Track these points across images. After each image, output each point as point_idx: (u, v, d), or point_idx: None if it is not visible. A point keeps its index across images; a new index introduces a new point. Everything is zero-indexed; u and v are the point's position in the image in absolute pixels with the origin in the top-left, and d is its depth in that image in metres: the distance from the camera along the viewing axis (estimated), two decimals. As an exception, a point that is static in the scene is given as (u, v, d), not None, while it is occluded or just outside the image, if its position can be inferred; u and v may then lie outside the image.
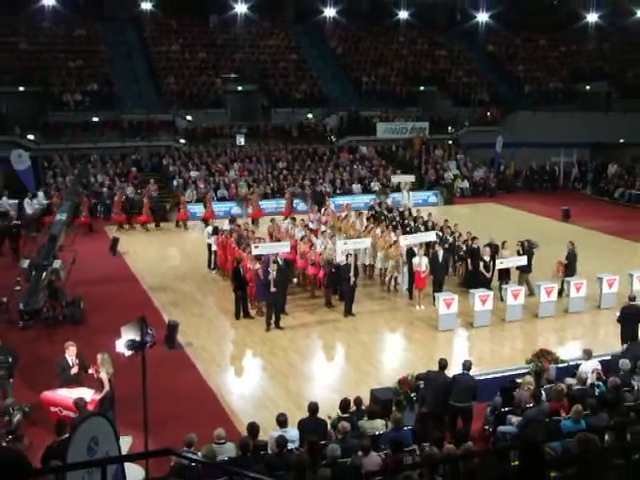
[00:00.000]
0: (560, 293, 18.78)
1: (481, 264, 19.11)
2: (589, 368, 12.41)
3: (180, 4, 40.90)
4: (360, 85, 40.56)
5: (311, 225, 22.77)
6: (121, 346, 10.35)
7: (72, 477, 6.06)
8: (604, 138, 38.52)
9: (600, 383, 11.86)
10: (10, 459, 8.95)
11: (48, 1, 35.36)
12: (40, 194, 28.05)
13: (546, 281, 18.65)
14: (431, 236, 20.12)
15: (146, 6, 38.79)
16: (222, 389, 14.16)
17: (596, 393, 11.44)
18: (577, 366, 12.84)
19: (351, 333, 17.21)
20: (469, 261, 19.85)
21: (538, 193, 36.43)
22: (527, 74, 43.48)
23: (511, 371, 13.58)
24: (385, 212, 25.12)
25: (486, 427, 11.81)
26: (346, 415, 10.63)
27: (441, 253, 19.26)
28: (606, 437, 8.83)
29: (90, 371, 12.17)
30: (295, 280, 20.00)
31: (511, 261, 18.85)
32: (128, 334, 10.25)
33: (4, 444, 10.24)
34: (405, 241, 19.56)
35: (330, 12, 41.49)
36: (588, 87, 43.37)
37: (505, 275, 18.99)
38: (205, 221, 26.99)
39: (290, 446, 9.58)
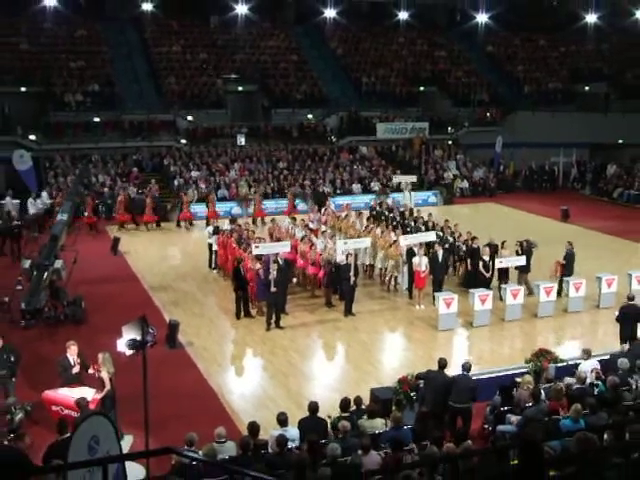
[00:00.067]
0: (559, 293, 18.84)
1: (480, 264, 19.16)
2: (588, 367, 12.45)
3: (181, 5, 40.92)
4: (360, 85, 40.61)
5: (311, 225, 22.81)
6: (122, 345, 10.37)
7: (73, 476, 6.10)
8: (603, 138, 38.55)
9: (599, 382, 11.90)
10: (11, 458, 8.99)
11: (49, 2, 35.34)
12: (44, 194, 28.10)
13: (545, 281, 18.71)
14: (431, 236, 20.16)
15: (147, 7, 38.84)
16: (223, 388, 14.21)
17: (595, 392, 11.49)
18: (576, 365, 12.89)
19: (351, 333, 17.26)
20: (469, 261, 19.91)
21: (537, 193, 36.47)
22: (526, 74, 43.53)
23: (510, 370, 13.60)
24: (386, 212, 25.16)
25: (485, 426, 11.86)
26: (346, 414, 10.66)
27: (441, 253, 19.31)
28: (605, 436, 8.88)
29: (90, 370, 12.23)
30: (295, 280, 20.03)
31: (510, 261, 18.90)
32: (129, 333, 10.28)
33: (6, 443, 10.29)
34: (405, 241, 19.61)
35: (330, 13, 41.54)
36: (587, 88, 43.42)
37: (504, 275, 19.04)
38: (207, 221, 27.13)
39: (290, 445, 9.62)
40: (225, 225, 22.96)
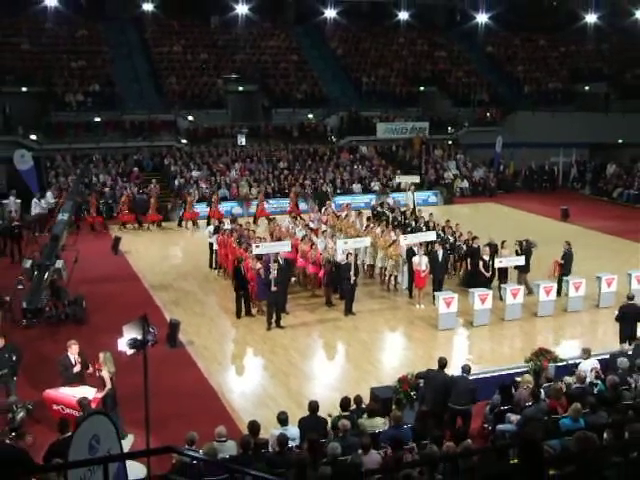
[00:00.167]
0: (559, 292, 18.87)
1: (481, 263, 19.19)
2: (588, 367, 12.48)
3: (181, 5, 40.94)
4: (360, 85, 40.63)
5: (312, 224, 22.84)
6: (123, 345, 10.38)
7: (74, 475, 6.13)
8: (603, 138, 38.56)
9: (599, 382, 11.94)
10: (12, 456, 9.03)
11: (50, 2, 35.36)
12: (49, 194, 28.12)
13: (545, 280, 18.74)
14: (431, 236, 20.19)
15: (148, 7, 38.86)
16: (223, 387, 14.24)
17: (595, 392, 11.52)
18: (576, 365, 12.91)
19: (351, 332, 17.30)
20: (469, 261, 19.93)
21: (537, 193, 36.51)
22: (526, 74, 43.54)
23: (510, 370, 13.64)
24: (387, 212, 25.19)
25: (485, 425, 11.89)
26: (346, 413, 10.69)
27: (441, 252, 19.34)
28: (605, 435, 8.90)
29: (91, 370, 12.25)
30: (293, 279, 20.02)
31: (509, 261, 18.93)
32: (130, 333, 10.30)
33: (7, 441, 10.32)
34: (405, 240, 19.65)
35: (330, 13, 41.57)
36: (587, 88, 43.43)
37: (503, 275, 19.08)
38: (208, 220, 27.22)
39: (291, 444, 9.66)
40: (226, 225, 22.99)
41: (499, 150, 37.80)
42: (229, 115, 37.33)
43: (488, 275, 19.11)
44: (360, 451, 9.29)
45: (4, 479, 6.74)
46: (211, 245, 22.21)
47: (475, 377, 12.57)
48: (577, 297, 18.59)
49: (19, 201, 26.97)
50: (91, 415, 7.19)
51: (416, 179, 30.90)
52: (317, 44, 43.27)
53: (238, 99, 38.99)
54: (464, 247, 20.46)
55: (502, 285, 18.73)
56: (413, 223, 22.89)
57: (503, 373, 13.51)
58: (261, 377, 14.95)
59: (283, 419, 10.24)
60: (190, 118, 35.70)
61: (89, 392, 11.74)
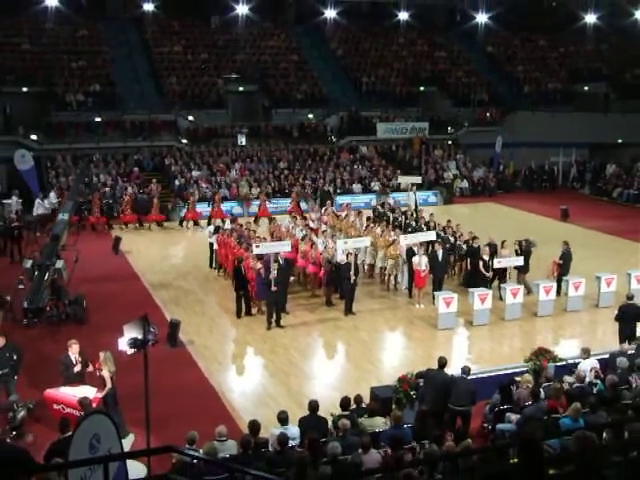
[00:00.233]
0: (558, 292, 18.88)
1: (481, 263, 19.21)
2: (587, 366, 12.50)
3: (182, 5, 40.92)
4: (360, 86, 40.64)
5: (312, 224, 22.87)
6: (123, 344, 10.41)
7: (74, 474, 6.14)
8: (602, 138, 38.57)
9: (598, 381, 11.96)
10: (13, 455, 9.04)
11: (51, 2, 35.38)
12: (52, 194, 28.18)
13: (545, 280, 18.76)
14: (431, 235, 20.22)
15: (148, 7, 38.87)
16: (223, 387, 14.26)
17: (594, 391, 11.54)
18: (575, 364, 12.92)
19: (351, 332, 17.31)
20: (469, 260, 19.95)
21: (537, 193, 36.53)
22: (526, 75, 43.56)
23: (510, 369, 13.63)
24: (388, 212, 25.20)
25: (485, 425, 11.91)
26: (346, 413, 10.71)
27: (440, 252, 19.36)
28: (604, 435, 8.92)
29: (91, 369, 12.27)
30: (292, 278, 19.99)
31: (508, 261, 18.95)
32: (130, 332, 10.33)
33: (8, 440, 10.35)
34: (405, 240, 19.67)
35: (330, 13, 41.58)
36: (587, 88, 43.44)
37: (502, 275, 19.11)
38: (208, 220, 27.28)
39: (291, 444, 9.67)
40: (226, 224, 23.02)
41: (499, 150, 37.84)
42: (229, 115, 37.35)
43: (488, 275, 19.13)
44: (360, 450, 9.31)
45: (4, 479, 6.75)
46: (211, 245, 22.23)
47: (475, 377, 12.58)
48: (577, 297, 18.61)
49: (20, 201, 27.01)
50: (92, 414, 7.21)
51: (418, 179, 30.94)
52: (317, 44, 43.28)
53: (238, 99, 39.02)
54: (464, 247, 20.47)
55: (502, 285, 18.75)
56: (413, 223, 22.90)
57: (503, 373, 13.50)
58: (261, 376, 14.97)
59: (283, 418, 10.25)
60: (190, 118, 35.72)
61: (90, 392, 11.75)
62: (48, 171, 31.05)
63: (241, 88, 39.16)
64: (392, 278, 20.33)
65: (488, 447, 10.41)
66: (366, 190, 33.46)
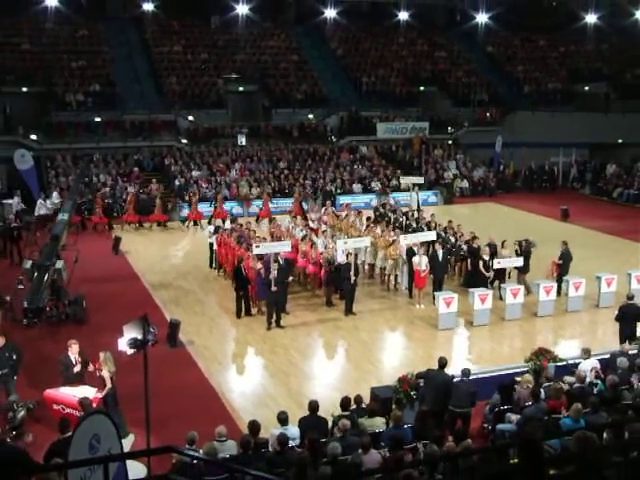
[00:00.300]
0: (559, 292, 18.88)
1: (481, 263, 19.21)
2: (588, 367, 12.48)
3: (182, 5, 40.93)
4: (360, 85, 40.66)
5: (312, 224, 22.86)
6: (123, 344, 10.40)
7: (74, 475, 6.13)
8: (603, 138, 38.58)
9: (598, 381, 11.95)
10: (11, 456, 9.03)
11: (51, 2, 35.39)
12: (54, 194, 28.18)
13: (545, 280, 18.75)
14: (431, 235, 20.20)
15: (148, 7, 38.87)
16: (223, 387, 14.25)
17: (594, 391, 11.53)
18: (576, 365, 12.90)
19: (351, 332, 17.30)
20: (469, 261, 19.94)
21: (537, 193, 36.53)
22: (526, 74, 43.56)
23: (510, 369, 13.62)
24: (389, 213, 25.18)
25: (485, 425, 11.91)
26: (346, 413, 10.70)
27: (441, 252, 19.36)
28: (604, 435, 8.91)
29: (91, 369, 12.27)
30: (291, 278, 19.91)
31: (507, 262, 18.95)
32: (130, 332, 10.32)
33: (8, 440, 10.34)
34: (405, 240, 19.66)
35: (330, 13, 41.57)
36: (587, 88, 43.45)
37: (501, 275, 19.10)
38: (209, 220, 27.30)
39: (291, 444, 9.67)
40: (226, 224, 23.03)
41: (499, 150, 37.84)
42: (229, 115, 37.36)
43: (488, 275, 19.13)
44: (360, 451, 9.30)
45: (4, 479, 6.75)
46: (211, 245, 22.22)
47: (475, 377, 12.57)
48: (577, 297, 18.60)
49: (21, 201, 27.01)
50: (91, 414, 7.20)
51: (420, 180, 30.94)
52: (317, 44, 43.29)
53: (238, 99, 39.03)
54: (465, 247, 20.45)
55: (502, 285, 18.74)
56: (414, 224, 22.87)
57: (503, 373, 13.50)
58: (261, 377, 14.96)
59: (283, 419, 10.24)
60: (190, 118, 35.74)
61: (89, 392, 11.75)
62: (48, 171, 31.07)
63: (241, 88, 39.17)
64: (392, 278, 20.32)
65: (488, 447, 10.40)
66: (366, 190, 33.47)
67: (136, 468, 9.35)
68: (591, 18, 41.69)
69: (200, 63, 38.86)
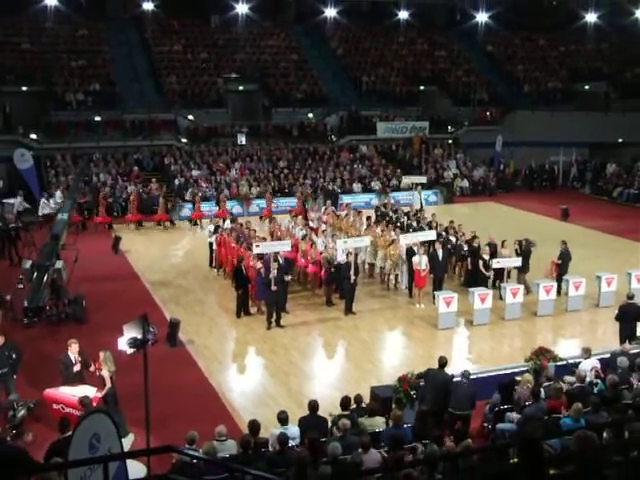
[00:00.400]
0: (559, 291, 18.87)
1: (481, 263, 19.20)
2: (588, 366, 12.48)
3: (182, 4, 40.92)
4: (360, 85, 40.64)
5: (311, 224, 22.86)
6: (123, 344, 10.40)
7: (74, 474, 6.13)
8: (603, 138, 38.55)
9: (598, 381, 11.94)
10: (11, 455, 9.03)
11: (51, 1, 35.38)
12: (57, 193, 28.16)
13: (545, 280, 18.75)
14: (431, 235, 20.19)
15: (148, 6, 38.83)
16: (223, 387, 14.25)
17: (595, 391, 11.53)
18: (576, 364, 12.90)
19: (351, 331, 17.30)
20: (469, 260, 19.94)
21: (537, 192, 36.53)
22: (526, 74, 43.53)
23: (510, 369, 13.62)
24: (390, 213, 25.17)
25: (485, 425, 11.90)
26: (346, 412, 10.70)
27: (441, 252, 19.35)
28: (604, 434, 8.90)
29: (91, 369, 12.27)
30: (289, 277, 19.87)
31: (506, 262, 18.95)
32: (130, 332, 10.31)
33: (8, 439, 10.33)
34: (405, 240, 19.65)
35: (330, 13, 41.53)
36: (587, 87, 43.41)
37: (500, 275, 19.11)
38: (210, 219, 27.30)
39: (291, 443, 9.66)
40: (226, 224, 23.03)
41: (499, 149, 37.82)
42: (229, 114, 37.35)
43: (488, 274, 19.12)
44: (360, 450, 9.29)
45: (4, 478, 6.74)
46: (211, 244, 22.22)
47: (475, 376, 12.57)
48: (577, 296, 18.59)
49: (12, 201, 26.98)
50: (92, 413, 7.19)
51: (423, 179, 30.88)
52: (317, 43, 43.27)
53: (238, 98, 39.03)
54: (465, 246, 20.44)
55: (502, 284, 18.74)
56: (415, 224, 22.85)
57: (503, 372, 13.49)
58: (261, 376, 14.96)
59: (283, 418, 10.24)
60: (190, 117, 35.73)
61: (89, 391, 11.74)
62: (48, 170, 31.04)
63: (241, 87, 39.17)
64: (392, 278, 20.32)
65: (488, 447, 10.38)
66: (366, 189, 33.46)
67: (136, 468, 9.34)
68: (591, 17, 41.67)
69: (200, 62, 38.84)
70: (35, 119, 33.30)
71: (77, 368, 12.36)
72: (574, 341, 16.57)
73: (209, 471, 9.03)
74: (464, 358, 15.67)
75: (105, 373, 11.92)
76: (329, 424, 10.63)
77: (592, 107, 40.20)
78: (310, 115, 37.93)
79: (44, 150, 32.08)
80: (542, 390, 11.44)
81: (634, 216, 30.33)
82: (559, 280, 19.02)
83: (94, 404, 11.27)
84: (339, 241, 19.42)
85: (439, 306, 17.29)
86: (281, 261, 17.80)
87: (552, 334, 17.31)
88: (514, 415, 11.12)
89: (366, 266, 21.43)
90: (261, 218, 28.48)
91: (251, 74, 39.01)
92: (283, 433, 9.56)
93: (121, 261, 23.27)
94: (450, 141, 39.27)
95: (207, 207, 29.21)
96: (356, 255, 19.28)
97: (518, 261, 18.89)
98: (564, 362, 13.59)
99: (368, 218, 23.33)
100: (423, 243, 19.81)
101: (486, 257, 19.19)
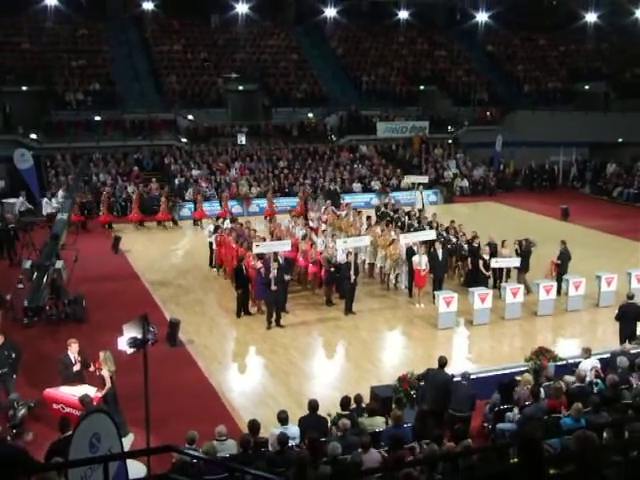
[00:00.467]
0: (559, 291, 18.88)
1: (481, 262, 19.21)
2: (588, 366, 12.49)
3: (182, 4, 40.90)
4: (360, 85, 40.63)
5: (311, 224, 22.85)
6: (123, 344, 10.40)
7: (74, 474, 6.13)
8: (603, 137, 38.55)
9: (598, 381, 11.94)
10: (11, 455, 9.03)
11: (51, 1, 35.36)
12: (60, 193, 28.15)
13: (545, 280, 18.74)
14: (430, 235, 20.18)
15: (148, 6, 38.81)
16: (223, 386, 14.25)
17: (595, 391, 11.53)
18: (576, 364, 12.90)
19: (351, 331, 17.30)
20: (469, 260, 19.94)
21: (537, 192, 36.52)
22: (526, 74, 43.51)
23: (510, 369, 13.62)
24: (391, 212, 25.16)
25: (485, 424, 11.91)
26: (346, 412, 10.71)
27: (441, 251, 19.35)
28: (604, 434, 8.91)
29: (91, 369, 12.27)
30: (288, 277, 19.86)
31: (505, 262, 18.93)
32: (130, 332, 10.32)
33: (8, 438, 10.33)
34: (405, 239, 19.65)
35: (330, 12, 41.51)
36: (587, 87, 43.39)
37: (499, 275, 19.08)
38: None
39: (291, 443, 9.67)
40: (225, 223, 23.03)
41: (499, 149, 37.82)
42: (229, 114, 37.35)
43: (488, 274, 19.13)
44: (360, 450, 9.29)
45: (4, 478, 6.74)
46: (211, 244, 22.22)
47: (475, 376, 12.58)
48: (577, 296, 18.59)
49: (12, 201, 26.98)
50: (92, 413, 7.19)
51: (424, 179, 30.89)
52: (317, 43, 43.27)
53: (238, 98, 39.02)
54: (465, 246, 20.43)
55: (502, 284, 18.74)
56: (416, 223, 22.84)
57: (503, 372, 13.50)
58: (261, 376, 14.96)
59: (283, 418, 10.25)
60: (190, 117, 35.73)
61: (89, 391, 11.74)
62: (48, 170, 31.05)
63: (241, 87, 39.15)
64: (392, 278, 20.32)
65: (488, 447, 10.38)
66: (366, 189, 33.46)
67: (136, 467, 9.35)
68: (591, 17, 41.65)
69: (200, 61, 38.83)
70: (35, 119, 33.31)
71: (77, 368, 12.36)
72: (574, 341, 16.57)
73: (209, 471, 9.03)
74: (464, 358, 15.67)
75: (105, 373, 11.92)
76: (329, 424, 10.64)
77: (592, 107, 40.20)
78: (310, 115, 37.92)
79: (44, 150, 32.08)
80: (542, 390, 11.44)
81: (634, 216, 30.34)
82: (559, 280, 19.02)
83: (94, 404, 11.27)
84: (339, 241, 19.40)
85: (439, 306, 17.29)
86: (281, 261, 17.81)
87: (552, 334, 17.31)
88: (514, 414, 11.12)
89: (366, 266, 21.44)
90: (266, 217, 28.39)
91: (251, 74, 39.00)
92: (283, 433, 9.57)
93: (121, 261, 23.26)
94: (450, 141, 39.25)
95: (208, 206, 29.17)
96: (356, 255, 19.27)
97: (517, 261, 18.89)
98: (564, 362, 13.59)
99: (368, 218, 23.31)
100: (423, 243, 19.80)
101: (486, 257, 19.19)
